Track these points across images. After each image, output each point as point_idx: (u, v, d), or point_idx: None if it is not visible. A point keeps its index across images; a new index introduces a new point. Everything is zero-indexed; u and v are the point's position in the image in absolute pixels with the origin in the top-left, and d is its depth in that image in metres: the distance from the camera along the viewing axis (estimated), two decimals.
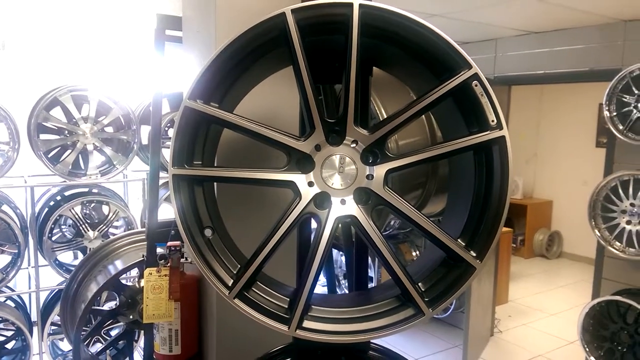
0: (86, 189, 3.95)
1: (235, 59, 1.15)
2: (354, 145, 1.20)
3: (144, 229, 2.76)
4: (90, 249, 3.73)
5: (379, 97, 1.77)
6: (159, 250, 2.22)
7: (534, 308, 6.12)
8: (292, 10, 1.13)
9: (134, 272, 3.00)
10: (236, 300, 1.14)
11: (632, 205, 3.89)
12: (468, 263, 1.15)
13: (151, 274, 1.75)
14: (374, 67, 1.42)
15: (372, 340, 1.34)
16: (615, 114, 3.91)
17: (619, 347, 4.03)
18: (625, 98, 3.85)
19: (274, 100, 1.68)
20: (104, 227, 3.83)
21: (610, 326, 4.06)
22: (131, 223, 3.92)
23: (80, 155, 3.74)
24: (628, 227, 3.90)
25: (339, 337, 1.17)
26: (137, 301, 2.49)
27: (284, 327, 1.15)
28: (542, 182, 8.60)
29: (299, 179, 1.19)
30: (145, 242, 2.63)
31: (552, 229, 8.39)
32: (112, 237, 2.75)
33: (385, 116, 1.80)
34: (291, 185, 1.19)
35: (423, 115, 1.70)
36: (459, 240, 1.19)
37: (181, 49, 1.95)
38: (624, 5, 3.62)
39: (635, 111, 3.87)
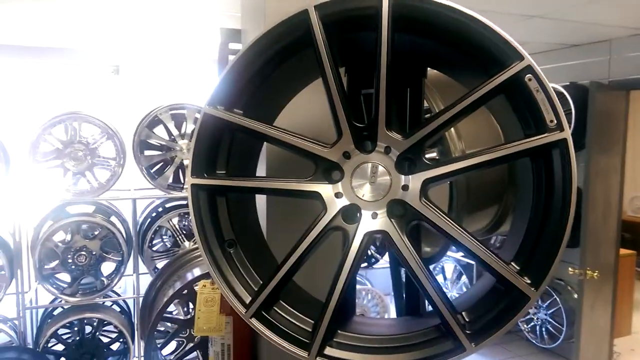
0: (184, 202, 4.11)
1: (258, 62, 1.08)
2: (387, 152, 1.07)
3: None
4: None
5: (443, 99, 1.56)
6: None
7: None
8: (316, 7, 1.04)
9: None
10: (253, 320, 1.05)
11: None
12: (520, 291, 0.96)
13: (205, 286, 1.73)
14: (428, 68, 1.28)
15: None
16: None
17: None
18: None
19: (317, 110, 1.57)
20: None
21: None
22: None
23: (179, 170, 3.94)
24: None
25: None
26: None
27: (303, 353, 1.04)
28: None
29: (325, 190, 1.08)
30: None
31: None
32: (189, 247, 2.81)
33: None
34: (316, 196, 1.08)
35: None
36: (512, 264, 1.00)
37: None
38: None
39: None
